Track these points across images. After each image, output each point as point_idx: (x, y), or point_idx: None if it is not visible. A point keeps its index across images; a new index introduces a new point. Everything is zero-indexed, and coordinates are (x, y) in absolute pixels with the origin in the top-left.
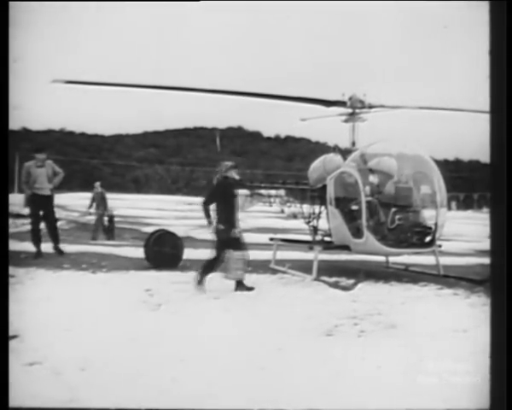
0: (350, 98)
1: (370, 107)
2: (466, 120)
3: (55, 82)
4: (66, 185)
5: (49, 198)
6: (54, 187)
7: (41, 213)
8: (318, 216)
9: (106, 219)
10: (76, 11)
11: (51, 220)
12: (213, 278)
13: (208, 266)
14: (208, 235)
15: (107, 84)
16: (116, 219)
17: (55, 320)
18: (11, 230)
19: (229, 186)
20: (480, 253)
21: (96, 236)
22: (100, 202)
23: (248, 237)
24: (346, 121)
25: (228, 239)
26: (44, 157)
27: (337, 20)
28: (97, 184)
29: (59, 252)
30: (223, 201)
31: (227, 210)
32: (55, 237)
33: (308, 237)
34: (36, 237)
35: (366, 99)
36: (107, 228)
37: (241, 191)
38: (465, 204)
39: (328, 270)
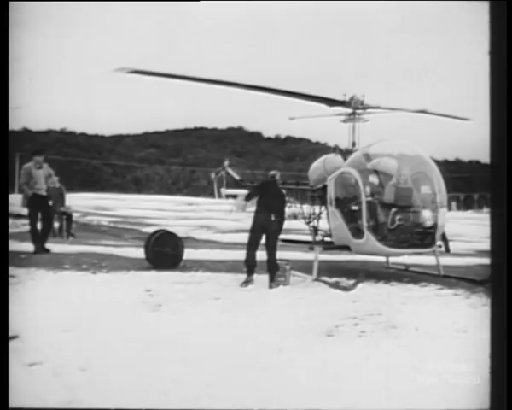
0: (351, 99)
1: (365, 108)
2: (466, 121)
3: (118, 71)
4: (66, 186)
5: (47, 198)
6: (48, 188)
7: (40, 212)
8: (319, 216)
9: (63, 217)
10: (76, 11)
11: (49, 220)
12: (213, 278)
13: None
14: (208, 235)
15: (170, 76)
16: (117, 219)
17: (55, 321)
18: (11, 230)
19: (275, 185)
20: (481, 253)
21: (55, 234)
22: (57, 198)
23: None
24: (344, 121)
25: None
26: (43, 159)
27: (337, 20)
28: (55, 179)
29: (45, 251)
30: (271, 196)
31: (276, 205)
32: (46, 236)
33: (308, 238)
34: (36, 236)
35: (364, 100)
36: (65, 227)
37: (242, 191)
38: (465, 204)
39: (329, 270)
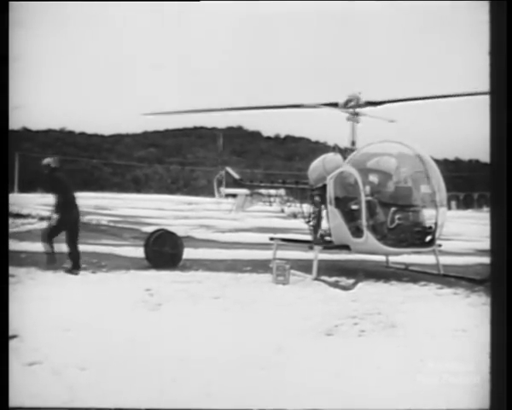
0: (352, 97)
1: (363, 107)
2: (466, 120)
3: None
4: None
5: None
6: None
7: None
8: (318, 216)
9: None
10: (76, 11)
11: None
12: (212, 277)
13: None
14: (208, 234)
15: None
16: (117, 219)
17: (54, 320)
18: (11, 230)
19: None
20: (480, 252)
21: None
22: None
23: (248, 237)
24: (348, 120)
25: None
26: None
27: (336, 20)
28: None
29: None
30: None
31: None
32: None
33: (308, 237)
34: None
35: (362, 98)
36: None
37: (241, 191)
38: (465, 204)
39: (328, 269)
